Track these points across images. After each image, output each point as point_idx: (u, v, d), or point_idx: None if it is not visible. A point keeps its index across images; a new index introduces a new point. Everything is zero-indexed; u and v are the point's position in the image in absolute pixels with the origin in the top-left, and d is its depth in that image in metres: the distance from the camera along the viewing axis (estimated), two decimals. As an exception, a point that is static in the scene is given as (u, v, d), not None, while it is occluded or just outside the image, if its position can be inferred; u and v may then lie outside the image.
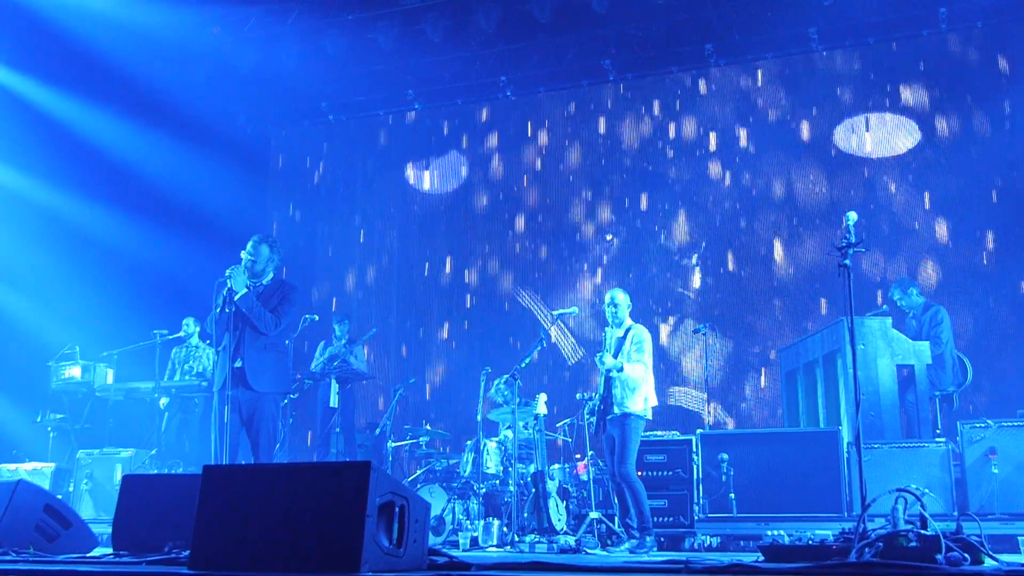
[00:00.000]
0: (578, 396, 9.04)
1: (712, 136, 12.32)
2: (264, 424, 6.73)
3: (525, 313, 12.70)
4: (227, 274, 6.68)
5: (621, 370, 7.39)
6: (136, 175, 11.85)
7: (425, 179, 13.70)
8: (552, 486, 8.40)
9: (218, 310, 6.68)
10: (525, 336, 12.40)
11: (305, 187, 14.28)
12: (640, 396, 7.45)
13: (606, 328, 7.88)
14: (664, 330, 11.95)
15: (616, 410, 7.44)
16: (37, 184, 11.16)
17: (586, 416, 7.91)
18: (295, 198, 14.26)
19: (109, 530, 5.22)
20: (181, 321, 10.71)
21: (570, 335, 12.29)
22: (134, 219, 11.65)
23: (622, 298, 7.75)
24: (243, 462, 6.69)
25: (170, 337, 10.36)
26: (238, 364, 6.70)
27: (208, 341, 9.96)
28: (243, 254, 6.89)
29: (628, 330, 7.63)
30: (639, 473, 7.61)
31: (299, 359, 11.15)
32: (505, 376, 9.23)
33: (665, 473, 8.20)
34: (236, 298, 6.64)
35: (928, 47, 11.49)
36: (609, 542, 7.87)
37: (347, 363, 10.54)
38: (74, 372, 10.38)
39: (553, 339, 12.03)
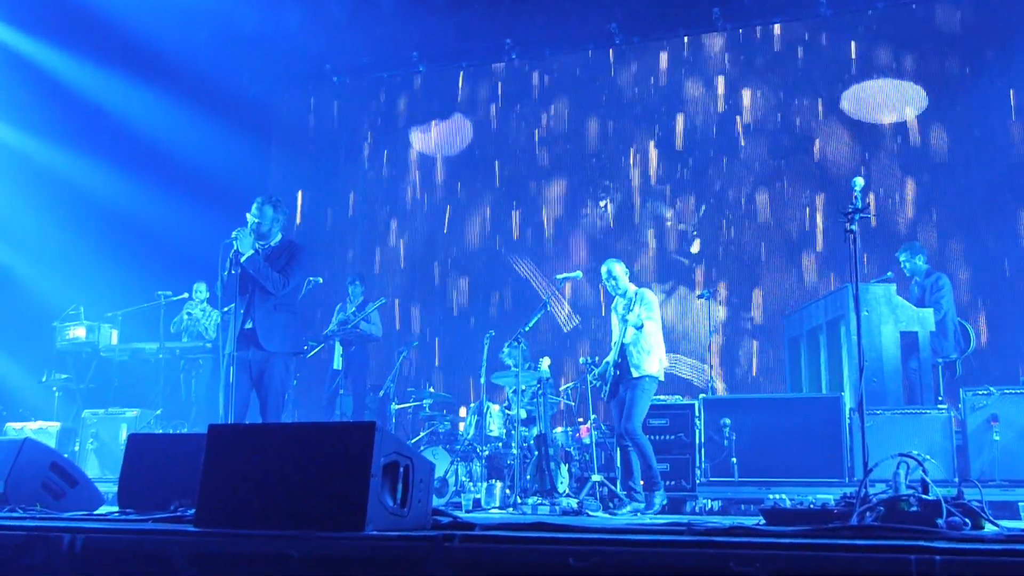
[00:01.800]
0: (581, 360, 9.07)
1: (717, 100, 12.24)
2: (274, 384, 6.77)
3: (528, 276, 12.68)
4: (233, 236, 6.68)
5: (641, 327, 7.51)
6: (140, 136, 11.82)
7: (430, 141, 13.65)
8: (555, 449, 8.44)
9: (225, 273, 6.70)
10: (529, 299, 12.41)
11: (309, 149, 14.22)
12: (654, 358, 7.61)
13: (613, 302, 7.98)
14: (661, 296, 11.94)
15: (633, 372, 7.56)
16: (41, 145, 11.16)
17: (591, 380, 7.95)
18: (299, 160, 14.21)
19: (115, 489, 5.25)
20: (185, 282, 10.73)
21: (565, 302, 12.29)
22: (138, 180, 11.64)
23: (618, 268, 7.87)
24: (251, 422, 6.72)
25: (174, 299, 10.39)
26: (248, 325, 6.73)
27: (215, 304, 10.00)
28: (248, 216, 6.89)
29: (635, 295, 7.74)
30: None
31: (305, 321, 11.18)
32: (523, 342, 9.32)
33: (667, 437, 8.25)
34: (242, 260, 6.65)
35: (939, 11, 11.38)
36: (611, 504, 7.92)
37: (358, 328, 10.56)
38: (79, 332, 10.43)
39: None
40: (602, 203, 12.56)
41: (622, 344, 7.65)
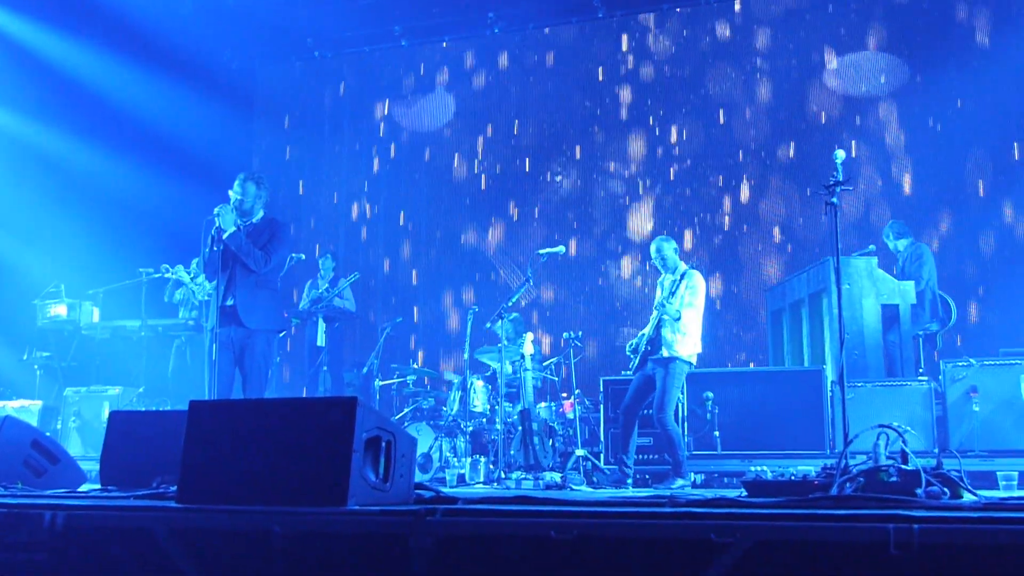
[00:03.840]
0: (564, 336, 9.09)
1: (702, 72, 12.20)
2: (255, 361, 6.76)
3: (511, 252, 12.68)
4: (215, 213, 6.67)
5: (679, 318, 7.37)
6: (121, 112, 11.69)
7: (411, 116, 13.57)
8: (539, 424, 8.46)
9: (207, 250, 6.68)
10: (509, 274, 12.43)
11: (291, 124, 14.13)
12: (690, 341, 7.47)
13: (660, 276, 7.86)
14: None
15: (664, 352, 7.43)
16: (20, 120, 11.03)
17: (627, 351, 7.88)
18: (281, 135, 14.11)
19: (97, 467, 5.24)
20: (167, 259, 10.61)
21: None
22: (119, 156, 11.52)
23: (667, 246, 7.72)
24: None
25: (155, 276, 10.30)
26: (230, 302, 6.72)
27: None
28: (230, 192, 6.86)
29: (683, 274, 7.60)
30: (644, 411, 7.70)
31: (287, 298, 11.14)
32: (514, 315, 9.35)
33: (651, 411, 8.27)
34: (224, 236, 6.63)
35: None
36: (594, 479, 7.96)
37: (332, 304, 10.54)
38: (60, 310, 10.35)
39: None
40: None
41: (659, 320, 7.56)
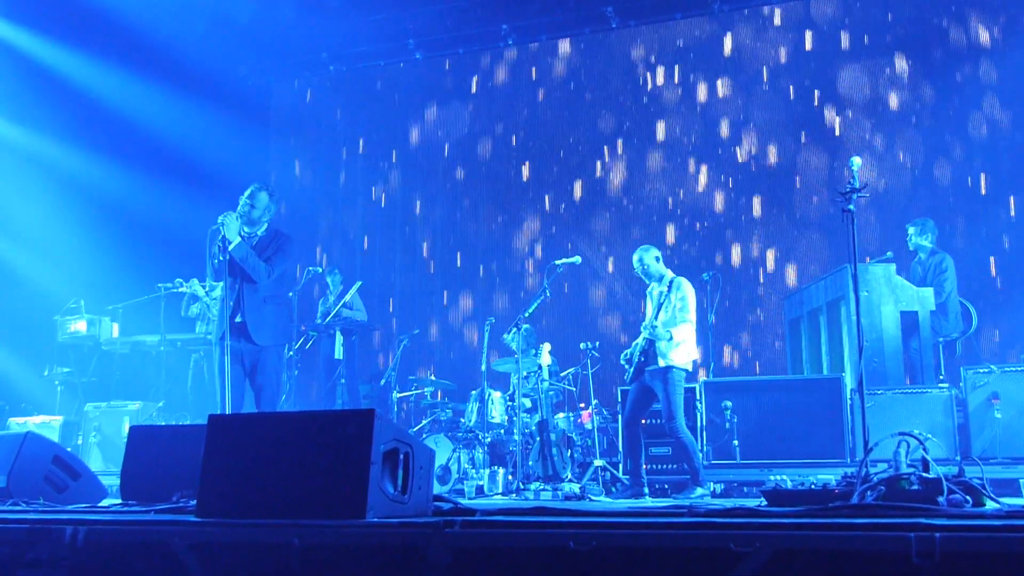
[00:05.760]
0: (582, 346, 9.06)
1: (714, 83, 12.19)
2: (268, 377, 6.71)
3: (525, 262, 12.68)
4: (220, 221, 6.52)
5: (671, 339, 7.27)
6: (139, 128, 11.79)
7: (426, 129, 13.62)
8: (557, 435, 8.44)
9: (216, 261, 6.62)
10: (527, 286, 12.43)
11: (306, 138, 14.20)
12: (684, 349, 7.37)
13: (648, 287, 7.73)
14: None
15: (660, 362, 7.32)
16: (39, 138, 11.15)
17: (622, 361, 7.80)
18: (297, 150, 14.19)
19: (118, 482, 5.25)
20: (185, 274, 10.67)
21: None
22: (137, 172, 11.62)
23: (648, 257, 7.58)
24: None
25: (174, 291, 10.35)
26: (239, 319, 6.64)
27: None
28: (242, 199, 6.81)
29: (671, 284, 7.51)
30: (643, 421, 7.67)
31: (304, 311, 11.17)
32: (525, 326, 9.30)
33: (661, 421, 8.26)
34: (230, 248, 6.51)
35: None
36: (613, 489, 7.93)
37: (342, 315, 10.56)
38: (80, 326, 10.43)
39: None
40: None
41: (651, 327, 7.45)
